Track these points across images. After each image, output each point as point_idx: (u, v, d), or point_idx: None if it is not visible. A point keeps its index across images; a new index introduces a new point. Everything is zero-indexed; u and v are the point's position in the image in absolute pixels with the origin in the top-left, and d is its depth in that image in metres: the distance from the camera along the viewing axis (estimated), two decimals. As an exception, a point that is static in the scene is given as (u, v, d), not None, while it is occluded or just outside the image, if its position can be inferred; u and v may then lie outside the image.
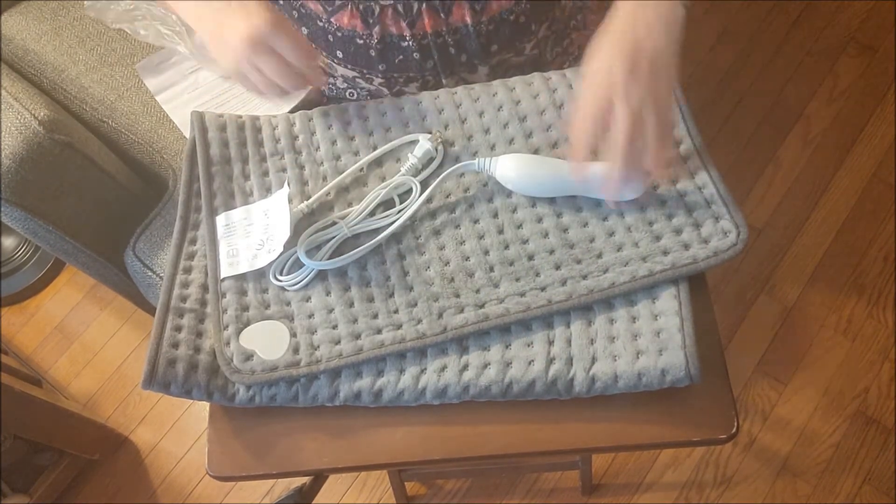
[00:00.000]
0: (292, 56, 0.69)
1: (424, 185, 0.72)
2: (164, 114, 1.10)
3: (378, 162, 0.76)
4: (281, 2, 0.85)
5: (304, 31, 0.84)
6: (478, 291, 0.67)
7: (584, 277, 0.67)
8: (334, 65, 0.85)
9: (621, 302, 0.66)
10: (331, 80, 0.91)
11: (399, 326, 0.66)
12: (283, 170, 0.76)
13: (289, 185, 0.73)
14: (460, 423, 0.66)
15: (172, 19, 1.04)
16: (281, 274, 0.70)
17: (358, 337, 0.66)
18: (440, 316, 0.66)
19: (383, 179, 0.74)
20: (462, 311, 0.66)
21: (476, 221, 0.71)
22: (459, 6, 0.77)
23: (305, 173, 0.76)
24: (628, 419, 0.65)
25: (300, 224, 0.72)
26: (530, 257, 0.69)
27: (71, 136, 1.01)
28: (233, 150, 0.77)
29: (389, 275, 0.69)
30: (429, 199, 0.72)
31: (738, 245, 0.67)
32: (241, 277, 0.70)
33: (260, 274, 0.70)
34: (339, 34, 0.81)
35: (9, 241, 1.53)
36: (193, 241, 0.74)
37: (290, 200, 0.72)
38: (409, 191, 0.72)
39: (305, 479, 0.87)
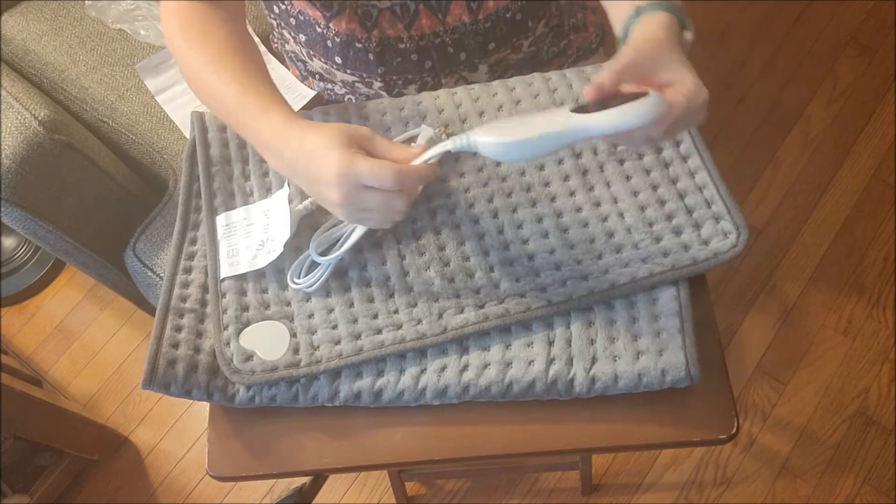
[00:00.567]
0: (388, 182, 0.57)
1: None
2: (164, 114, 1.10)
3: (378, 162, 0.75)
4: (278, 9, 0.84)
5: (303, 37, 0.84)
6: (478, 292, 0.67)
7: (585, 278, 0.67)
8: (333, 70, 0.85)
9: (622, 303, 0.66)
10: (330, 85, 0.91)
11: (399, 326, 0.66)
12: (284, 170, 0.76)
13: (289, 184, 0.73)
14: (460, 423, 0.66)
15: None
16: (299, 278, 0.69)
17: (358, 337, 0.66)
18: (440, 316, 0.66)
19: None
20: (462, 311, 0.66)
21: (476, 222, 0.71)
22: (456, 5, 0.77)
23: (306, 173, 0.76)
24: (628, 419, 0.65)
25: (301, 224, 0.72)
26: (530, 258, 0.68)
27: (71, 137, 1.01)
28: (233, 151, 0.77)
29: (389, 275, 0.69)
30: (429, 199, 0.72)
31: (739, 246, 0.67)
32: (241, 277, 0.70)
33: (260, 274, 0.70)
34: (338, 39, 0.81)
35: (9, 241, 1.53)
36: (193, 242, 0.74)
37: (290, 200, 0.72)
38: None
39: (305, 479, 0.88)
